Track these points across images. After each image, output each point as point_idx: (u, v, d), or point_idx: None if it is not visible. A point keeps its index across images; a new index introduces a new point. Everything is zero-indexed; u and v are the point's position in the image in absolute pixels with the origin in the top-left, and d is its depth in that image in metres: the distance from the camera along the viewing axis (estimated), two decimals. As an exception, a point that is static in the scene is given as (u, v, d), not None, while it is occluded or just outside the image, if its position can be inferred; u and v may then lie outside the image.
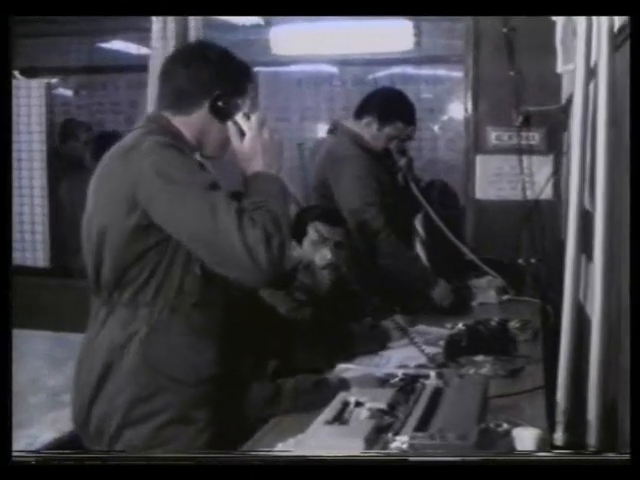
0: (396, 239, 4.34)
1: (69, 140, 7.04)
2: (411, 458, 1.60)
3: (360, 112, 4.53)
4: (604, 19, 2.22)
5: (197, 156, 2.72)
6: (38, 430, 3.91)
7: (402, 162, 4.64)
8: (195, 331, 2.62)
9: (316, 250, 3.59)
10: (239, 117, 2.68)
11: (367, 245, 4.26)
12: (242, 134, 2.65)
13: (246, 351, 2.76)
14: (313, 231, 3.61)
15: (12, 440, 1.70)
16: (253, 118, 2.66)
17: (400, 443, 1.87)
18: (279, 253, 2.41)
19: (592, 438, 2.36)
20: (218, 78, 2.71)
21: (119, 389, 2.59)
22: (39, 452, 1.63)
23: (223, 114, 2.70)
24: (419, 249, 4.89)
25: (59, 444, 2.81)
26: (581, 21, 2.38)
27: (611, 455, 1.54)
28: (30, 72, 6.47)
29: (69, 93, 8.57)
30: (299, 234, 3.58)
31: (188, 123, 2.71)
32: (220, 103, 2.69)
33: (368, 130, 4.47)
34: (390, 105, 4.53)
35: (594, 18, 2.34)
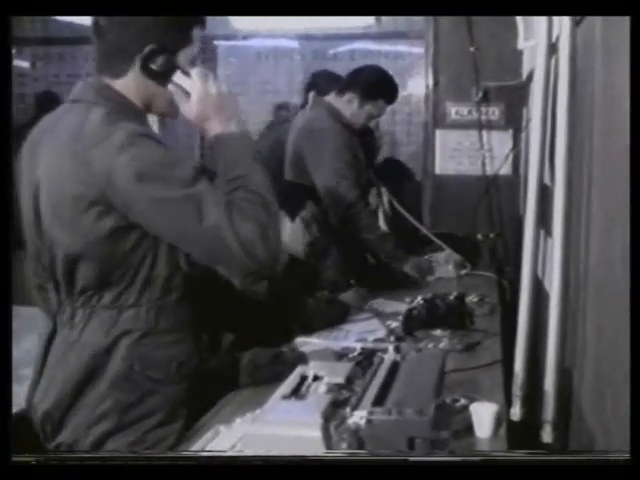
0: (369, 214, 4.37)
1: (43, 113, 7.03)
2: (411, 458, 1.59)
3: (342, 88, 4.52)
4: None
5: (149, 117, 2.49)
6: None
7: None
8: (178, 327, 2.45)
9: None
10: (177, 77, 2.36)
11: (340, 219, 4.25)
12: (187, 94, 2.36)
13: (205, 327, 2.67)
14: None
15: (12, 440, 1.67)
16: (194, 75, 2.37)
17: (358, 418, 1.87)
18: (275, 243, 2.27)
19: (548, 413, 2.38)
20: (150, 30, 2.34)
21: (103, 396, 2.38)
22: (39, 452, 1.61)
23: (157, 76, 2.36)
24: (382, 223, 4.90)
25: (16, 418, 2.76)
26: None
27: (611, 455, 1.54)
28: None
29: (25, 64, 8.47)
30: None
31: (128, 86, 2.38)
32: (152, 65, 2.34)
33: (349, 106, 4.46)
34: (374, 83, 4.52)
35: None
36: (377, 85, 4.52)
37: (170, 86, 2.38)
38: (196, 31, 2.43)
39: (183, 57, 2.40)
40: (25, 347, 2.96)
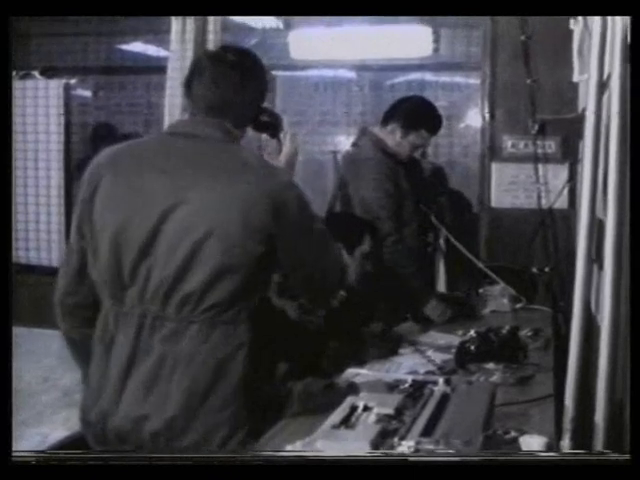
0: (403, 248, 4.30)
1: (101, 144, 7.14)
2: (411, 458, 1.60)
3: (386, 118, 4.53)
4: (618, 30, 2.23)
5: None
6: (49, 428, 3.92)
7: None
8: (259, 347, 2.66)
9: None
10: (282, 135, 2.91)
11: (377, 249, 4.23)
12: (279, 151, 2.91)
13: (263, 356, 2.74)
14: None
15: (12, 440, 1.69)
16: (289, 136, 2.93)
17: (405, 448, 1.88)
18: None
19: (598, 445, 2.37)
20: (264, 89, 2.82)
21: (228, 400, 2.58)
22: (39, 452, 1.62)
23: (263, 128, 2.89)
24: (439, 254, 4.90)
25: (70, 442, 2.80)
26: (595, 31, 2.39)
27: (611, 455, 1.54)
28: (49, 72, 6.50)
29: (87, 94, 8.59)
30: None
31: (244, 135, 2.80)
32: (264, 118, 2.84)
33: (392, 137, 4.45)
34: (415, 113, 4.51)
35: (609, 29, 2.35)
36: (419, 115, 4.50)
37: (274, 140, 2.93)
38: None
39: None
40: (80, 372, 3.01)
